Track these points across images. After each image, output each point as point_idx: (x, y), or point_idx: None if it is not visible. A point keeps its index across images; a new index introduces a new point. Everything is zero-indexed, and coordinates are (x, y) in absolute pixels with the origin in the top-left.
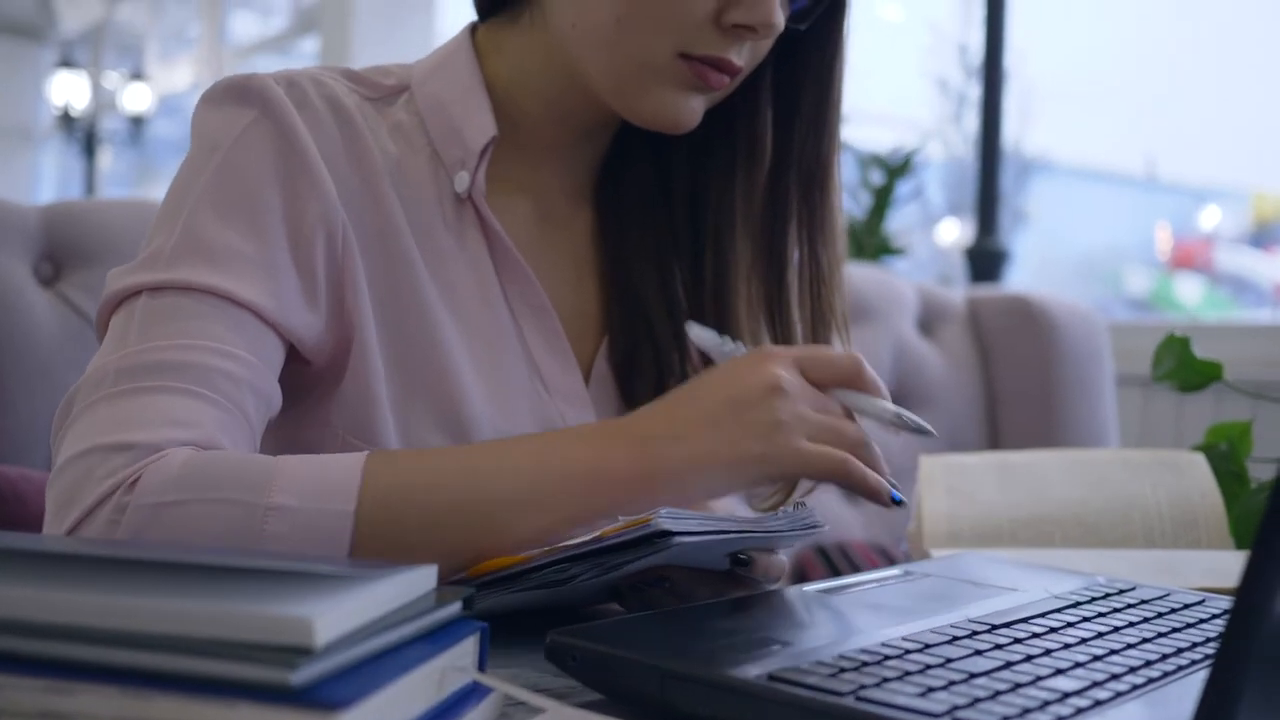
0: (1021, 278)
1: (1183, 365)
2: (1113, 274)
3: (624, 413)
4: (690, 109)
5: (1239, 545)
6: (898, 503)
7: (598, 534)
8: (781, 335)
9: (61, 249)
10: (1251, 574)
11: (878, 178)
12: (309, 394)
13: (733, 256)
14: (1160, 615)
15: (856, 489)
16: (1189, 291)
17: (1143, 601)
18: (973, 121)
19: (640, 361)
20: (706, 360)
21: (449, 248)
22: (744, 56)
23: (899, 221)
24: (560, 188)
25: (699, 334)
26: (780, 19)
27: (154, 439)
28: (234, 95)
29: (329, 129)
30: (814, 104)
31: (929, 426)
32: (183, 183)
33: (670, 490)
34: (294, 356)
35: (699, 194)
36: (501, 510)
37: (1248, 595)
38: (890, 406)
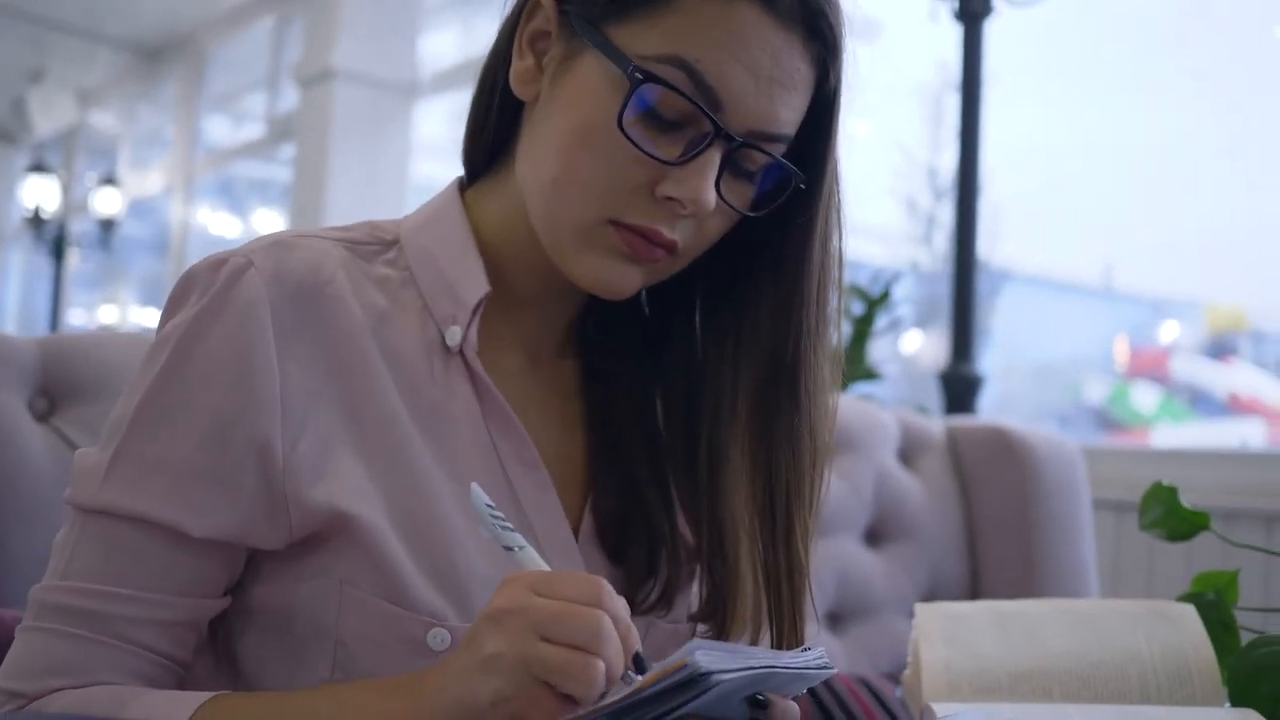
0: (985, 387)
1: (1171, 514)
2: (1072, 383)
3: (614, 571)
4: (623, 276)
5: (1234, 699)
6: None
7: (635, 687)
8: (767, 536)
9: (57, 383)
10: None
11: (858, 308)
12: (304, 555)
13: (730, 436)
14: None
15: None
16: (1145, 400)
17: None
18: (942, 239)
19: (629, 528)
20: (695, 531)
21: (437, 401)
22: (681, 233)
23: (873, 339)
24: (546, 338)
25: (479, 496)
26: (709, 197)
27: (38, 689)
28: (199, 284)
29: (302, 301)
30: (775, 299)
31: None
32: (137, 379)
33: None
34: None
35: (696, 367)
36: None
37: None
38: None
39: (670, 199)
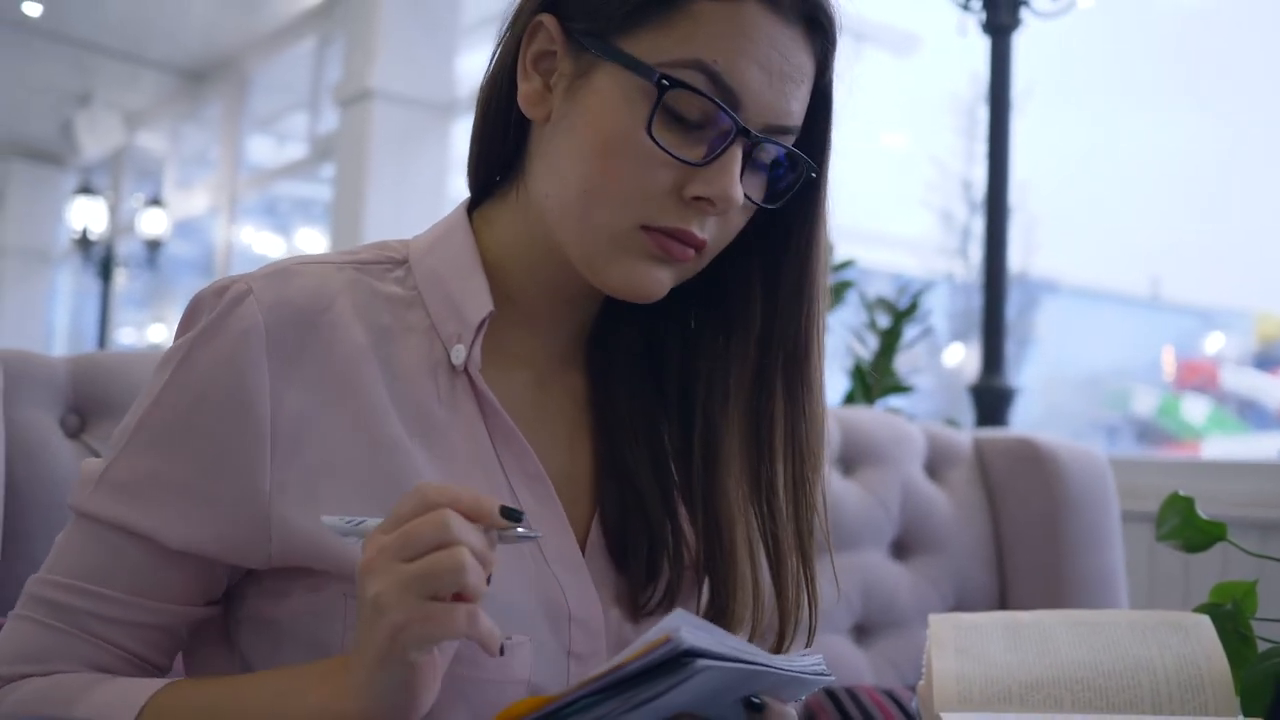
0: (1028, 399)
1: (1187, 525)
2: (1119, 394)
3: (619, 578)
4: (655, 279)
5: (1245, 710)
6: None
7: (617, 662)
8: (768, 514)
9: (88, 401)
10: None
11: (884, 321)
12: (308, 572)
13: (724, 432)
14: None
15: (473, 639)
16: (1195, 412)
17: None
18: (977, 251)
19: (632, 533)
20: (694, 529)
21: (442, 420)
22: (708, 230)
23: (903, 351)
24: (553, 354)
25: (330, 523)
26: (738, 193)
27: (10, 673)
28: (204, 308)
29: (301, 328)
30: (794, 281)
31: (533, 532)
32: (143, 394)
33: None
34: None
35: (689, 367)
36: None
37: None
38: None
39: (699, 199)
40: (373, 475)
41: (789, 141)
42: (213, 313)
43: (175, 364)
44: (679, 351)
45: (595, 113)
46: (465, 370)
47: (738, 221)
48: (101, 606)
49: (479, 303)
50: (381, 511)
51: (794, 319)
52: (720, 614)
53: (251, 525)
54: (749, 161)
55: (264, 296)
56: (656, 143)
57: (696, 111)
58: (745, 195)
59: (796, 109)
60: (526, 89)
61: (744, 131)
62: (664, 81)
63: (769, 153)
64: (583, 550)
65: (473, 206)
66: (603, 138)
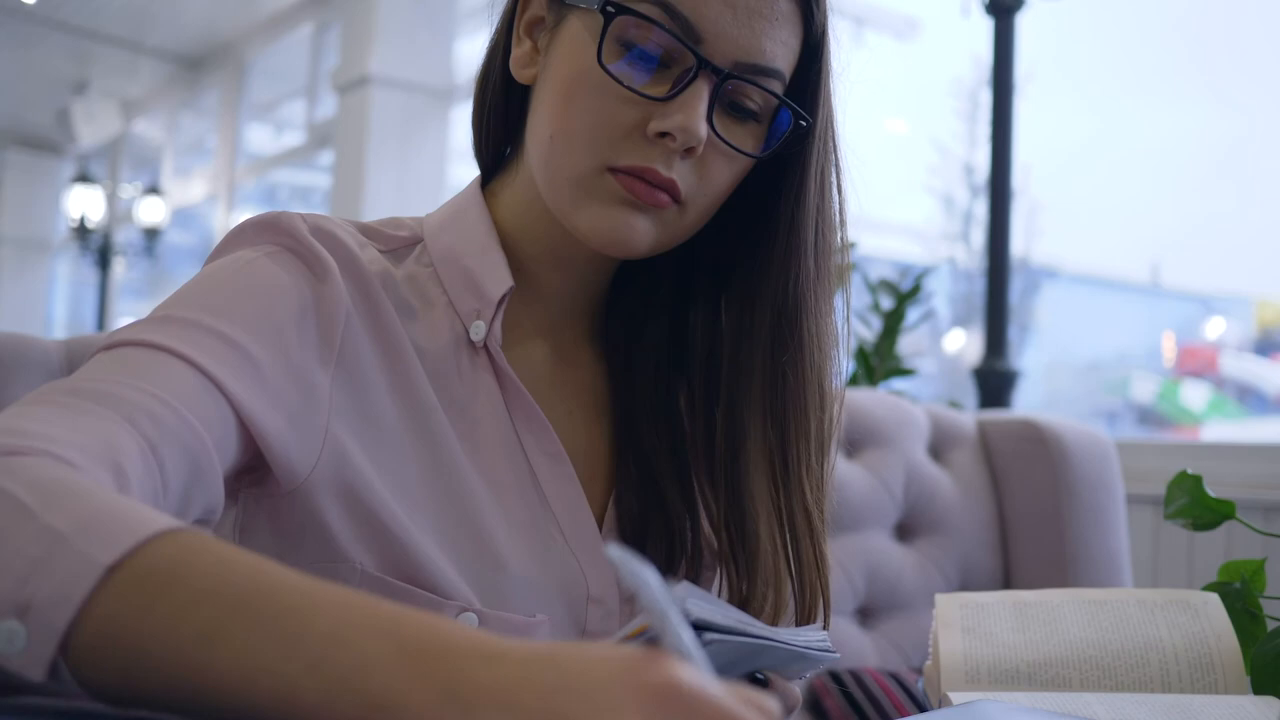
0: (1029, 384)
1: (1195, 503)
2: (1119, 380)
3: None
4: (628, 225)
5: (1256, 687)
6: None
7: (623, 635)
8: (786, 496)
9: None
10: None
11: (887, 303)
12: (326, 529)
13: (747, 412)
14: None
15: None
16: (1195, 398)
17: None
18: (979, 236)
19: (651, 525)
20: (717, 523)
21: (464, 395)
22: (681, 175)
23: (905, 333)
24: (569, 330)
25: (616, 554)
26: (699, 127)
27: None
28: (270, 228)
29: (361, 281)
30: (775, 246)
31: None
32: (202, 274)
33: None
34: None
35: (714, 349)
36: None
37: None
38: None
39: (662, 135)
40: (410, 433)
41: (772, 86)
42: (301, 235)
43: (256, 258)
44: (706, 333)
45: (561, 57)
46: (485, 347)
47: (720, 172)
48: (147, 402)
49: (498, 278)
50: (418, 470)
51: (782, 279)
52: (741, 604)
53: (307, 426)
54: (729, 107)
55: (342, 244)
56: (607, 72)
57: (656, 47)
58: (723, 139)
59: (772, 49)
60: (517, 53)
61: (709, 67)
62: (609, 9)
63: (754, 98)
64: (599, 529)
65: (485, 183)
66: (566, 79)
